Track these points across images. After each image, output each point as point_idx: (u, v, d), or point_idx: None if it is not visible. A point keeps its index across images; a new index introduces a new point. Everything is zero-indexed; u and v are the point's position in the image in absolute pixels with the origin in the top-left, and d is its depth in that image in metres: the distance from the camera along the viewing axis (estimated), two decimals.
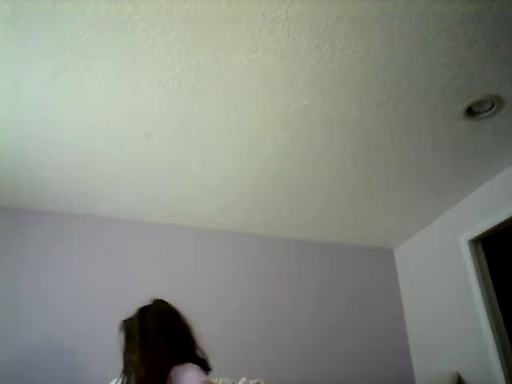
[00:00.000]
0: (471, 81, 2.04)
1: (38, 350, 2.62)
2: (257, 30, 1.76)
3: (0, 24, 1.69)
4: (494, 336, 2.62)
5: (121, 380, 1.49)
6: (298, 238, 3.54)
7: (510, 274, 3.37)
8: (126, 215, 3.13)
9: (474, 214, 2.91)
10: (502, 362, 2.56)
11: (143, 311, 1.61)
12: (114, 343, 2.72)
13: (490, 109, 2.21)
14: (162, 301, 1.67)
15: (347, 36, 1.80)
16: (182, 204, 3.02)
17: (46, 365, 2.59)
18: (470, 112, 2.23)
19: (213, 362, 1.66)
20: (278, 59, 1.90)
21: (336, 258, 3.60)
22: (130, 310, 2.94)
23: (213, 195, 2.92)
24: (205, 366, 1.53)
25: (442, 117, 2.26)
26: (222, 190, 2.86)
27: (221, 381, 2.24)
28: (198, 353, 1.57)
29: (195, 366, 1.46)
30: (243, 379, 2.30)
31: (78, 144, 2.39)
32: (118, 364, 1.56)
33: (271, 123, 2.28)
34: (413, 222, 3.35)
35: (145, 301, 1.63)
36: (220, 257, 3.29)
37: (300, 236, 3.53)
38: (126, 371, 1.49)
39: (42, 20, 1.69)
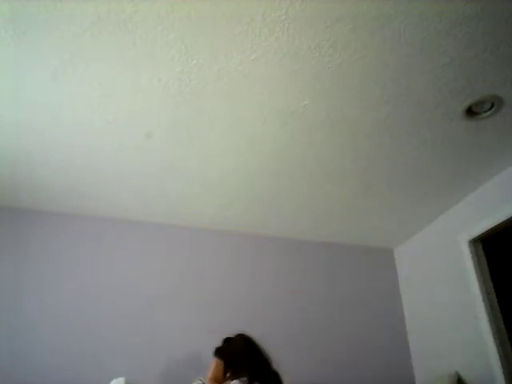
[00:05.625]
0: (471, 81, 2.04)
1: (38, 350, 2.62)
2: (257, 30, 1.76)
3: (0, 24, 1.70)
4: (494, 336, 2.62)
5: None
6: (297, 237, 3.54)
7: (510, 274, 3.37)
8: (126, 215, 3.13)
9: (474, 214, 2.90)
10: (501, 362, 2.56)
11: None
12: (113, 342, 2.73)
13: (489, 109, 2.21)
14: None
15: (347, 36, 1.80)
16: (181, 204, 3.02)
17: (47, 365, 2.59)
18: (470, 112, 2.23)
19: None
20: (278, 59, 1.90)
21: (336, 258, 3.60)
22: (130, 310, 2.94)
23: (212, 195, 2.92)
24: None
25: (441, 117, 2.26)
26: (221, 189, 2.86)
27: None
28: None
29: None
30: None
31: (78, 144, 2.40)
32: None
33: (271, 123, 2.28)
34: (413, 221, 3.35)
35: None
36: (220, 257, 3.29)
37: (300, 236, 3.53)
38: None
39: (41, 20, 1.69)
